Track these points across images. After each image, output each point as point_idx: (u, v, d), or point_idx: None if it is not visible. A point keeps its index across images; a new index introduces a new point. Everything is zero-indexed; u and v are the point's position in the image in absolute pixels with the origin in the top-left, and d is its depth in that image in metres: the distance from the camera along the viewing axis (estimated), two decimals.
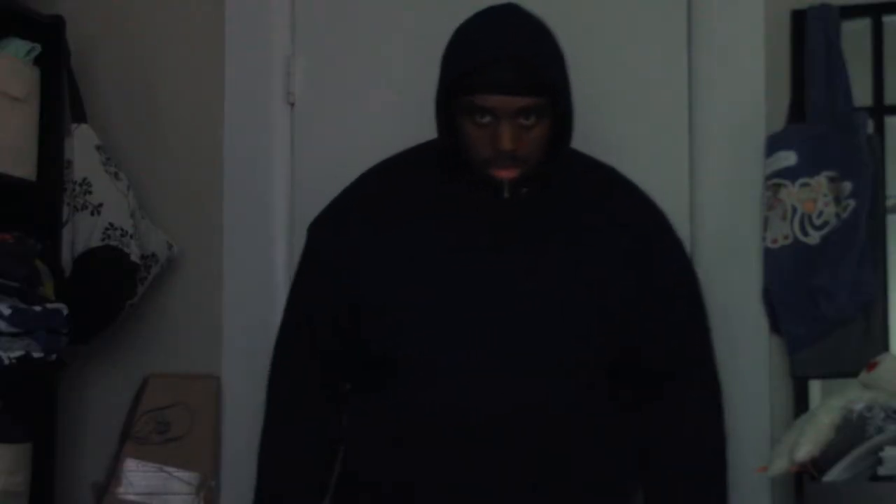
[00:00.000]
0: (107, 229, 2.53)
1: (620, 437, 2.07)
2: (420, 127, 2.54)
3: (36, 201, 2.53)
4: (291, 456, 2.11)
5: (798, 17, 2.43)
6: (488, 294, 2.00)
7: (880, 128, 2.38)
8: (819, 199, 2.35)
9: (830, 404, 2.11)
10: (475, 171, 2.00)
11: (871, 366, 2.13)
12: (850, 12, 2.41)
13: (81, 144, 2.58)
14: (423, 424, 1.99)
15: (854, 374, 2.18)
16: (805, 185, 2.36)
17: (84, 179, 2.56)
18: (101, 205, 2.55)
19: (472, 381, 1.97)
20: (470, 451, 1.97)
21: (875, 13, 2.42)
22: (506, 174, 1.97)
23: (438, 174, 2.06)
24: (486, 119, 1.95)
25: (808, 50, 2.39)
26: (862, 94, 2.38)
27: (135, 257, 2.55)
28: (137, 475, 2.58)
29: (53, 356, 2.45)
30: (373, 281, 2.03)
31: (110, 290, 2.55)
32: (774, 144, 2.39)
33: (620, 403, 2.07)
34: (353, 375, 2.11)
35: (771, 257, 2.39)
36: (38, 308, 2.41)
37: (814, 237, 2.35)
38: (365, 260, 2.04)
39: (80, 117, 2.60)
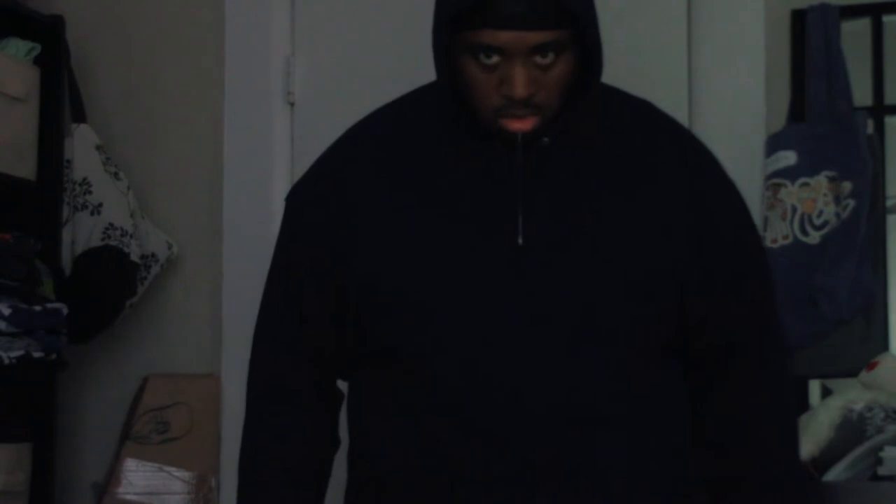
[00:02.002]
0: (107, 229, 2.53)
1: (678, 431, 1.70)
2: None
3: (36, 201, 2.53)
4: (278, 465, 1.81)
5: (798, 17, 2.43)
6: (511, 270, 1.63)
7: (880, 128, 2.38)
8: (819, 199, 2.35)
9: (830, 404, 2.11)
10: (483, 121, 1.64)
11: (871, 366, 2.13)
12: (850, 12, 2.41)
13: (81, 144, 2.58)
14: (441, 425, 1.63)
15: (854, 374, 2.18)
16: (805, 184, 2.36)
17: (84, 179, 2.56)
18: (101, 204, 2.55)
19: (498, 374, 1.61)
20: (502, 451, 1.62)
21: (875, 13, 2.43)
22: (520, 125, 1.61)
23: (440, 127, 1.70)
24: (494, 59, 1.59)
25: (808, 50, 2.40)
26: (862, 94, 2.38)
27: (135, 257, 2.55)
28: (137, 475, 2.58)
29: (53, 356, 2.45)
30: (367, 259, 1.66)
31: (110, 290, 2.55)
32: (774, 144, 2.39)
33: (673, 391, 1.71)
34: (351, 368, 1.76)
35: (771, 257, 2.39)
36: (38, 308, 2.41)
37: (814, 237, 2.35)
38: (356, 235, 1.68)
39: (80, 117, 2.61)
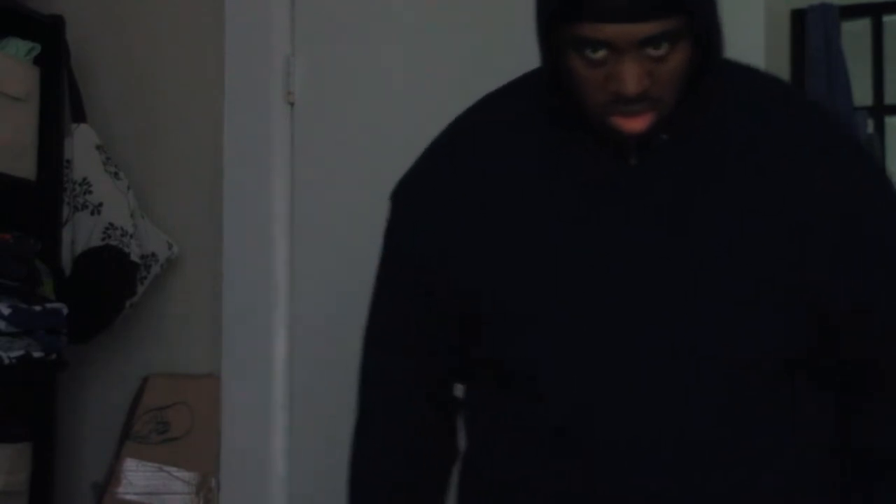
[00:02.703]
0: (107, 229, 2.53)
1: (801, 457, 1.53)
2: (421, 127, 2.54)
3: (36, 201, 2.53)
4: (393, 480, 1.67)
5: (798, 17, 2.43)
6: (620, 282, 1.49)
7: (880, 128, 2.38)
8: None
9: None
10: (592, 119, 1.49)
11: None
12: (850, 12, 2.41)
13: (81, 144, 2.58)
14: (549, 442, 1.51)
15: None
16: None
17: (84, 179, 2.56)
18: (101, 204, 2.55)
19: (605, 393, 1.48)
20: (609, 475, 1.49)
21: (875, 13, 2.43)
22: (633, 125, 1.46)
23: (545, 125, 1.56)
24: (601, 53, 1.43)
25: (808, 50, 2.40)
26: (862, 94, 2.38)
27: (135, 257, 2.55)
28: (137, 475, 2.58)
29: (53, 356, 2.45)
30: (474, 268, 1.54)
31: (110, 290, 2.55)
32: None
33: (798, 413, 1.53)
34: (466, 376, 1.65)
35: None
36: (38, 308, 2.41)
37: None
38: (462, 241, 1.55)
39: (80, 117, 2.61)
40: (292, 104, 2.67)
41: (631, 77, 1.43)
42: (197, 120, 2.72)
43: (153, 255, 2.61)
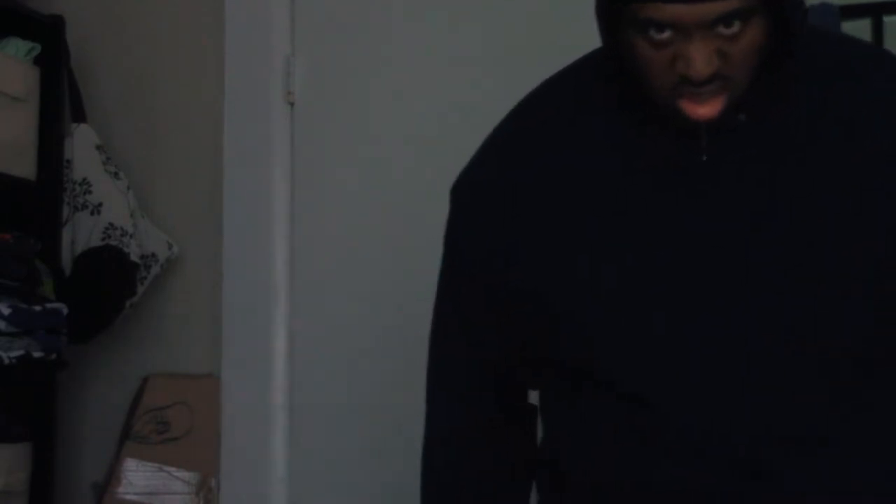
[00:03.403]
0: (107, 229, 2.53)
1: None
2: (421, 127, 2.54)
3: (36, 201, 2.53)
4: (472, 493, 1.59)
5: None
6: (702, 277, 1.38)
7: None
8: None
9: None
10: (659, 104, 1.38)
11: None
12: (850, 12, 2.41)
13: (81, 144, 2.58)
14: (642, 446, 1.42)
15: None
16: None
17: (84, 179, 2.56)
18: (100, 204, 2.55)
19: (702, 394, 1.38)
20: (710, 475, 1.38)
21: (875, 13, 2.42)
22: (704, 111, 1.35)
23: (610, 111, 1.45)
24: (666, 34, 1.32)
25: None
26: None
27: (134, 257, 2.55)
28: (137, 475, 2.58)
29: (53, 356, 2.45)
30: (541, 272, 1.44)
31: (110, 290, 2.55)
32: None
33: None
34: (538, 382, 1.56)
35: None
36: (37, 308, 2.41)
37: None
38: (527, 242, 1.45)
39: (80, 117, 2.61)
40: (292, 104, 2.67)
41: (700, 58, 1.31)
42: (197, 120, 2.72)
43: (153, 255, 2.61)
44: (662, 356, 1.39)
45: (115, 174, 2.60)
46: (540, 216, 1.45)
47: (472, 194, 1.52)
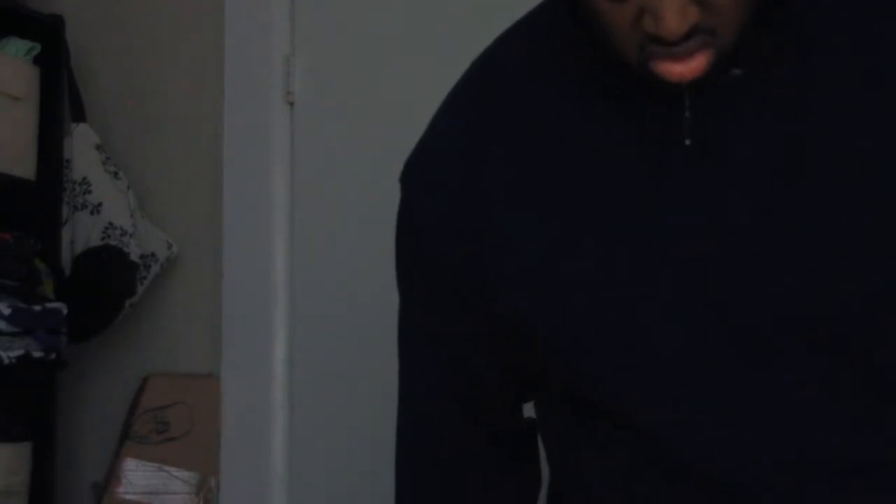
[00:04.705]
0: (106, 228, 2.53)
1: None
2: (421, 127, 2.54)
3: (35, 200, 2.53)
4: None
5: None
6: (704, 280, 1.11)
7: None
8: None
9: None
10: (632, 68, 1.10)
11: None
12: None
13: (81, 144, 2.58)
14: (660, 483, 1.17)
15: None
16: None
17: (83, 179, 2.56)
18: (100, 204, 2.55)
19: (723, 423, 1.13)
20: None
21: None
22: (682, 69, 1.06)
23: (580, 81, 1.17)
24: None
25: None
26: None
27: (134, 256, 2.55)
28: (137, 475, 2.58)
29: (53, 356, 2.45)
30: (519, 283, 1.17)
31: (110, 290, 2.55)
32: None
33: None
34: (528, 396, 1.31)
35: None
36: (37, 307, 2.41)
37: None
38: (496, 238, 1.18)
39: (80, 116, 2.61)
40: (292, 104, 2.67)
41: (671, 12, 1.02)
42: (197, 120, 2.72)
43: (153, 254, 2.61)
44: (671, 384, 1.13)
45: (115, 174, 2.60)
46: (510, 210, 1.18)
47: (428, 184, 1.25)
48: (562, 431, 1.26)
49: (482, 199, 1.19)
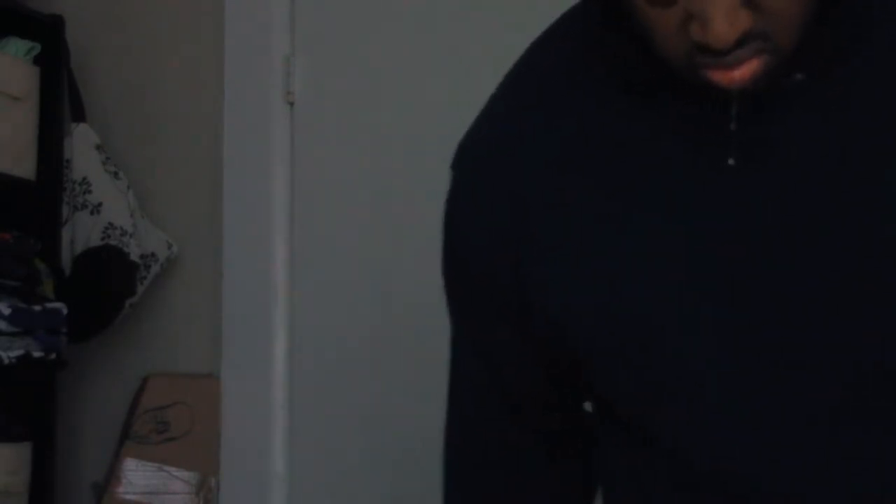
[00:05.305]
0: (106, 228, 2.53)
1: None
2: (421, 127, 2.54)
3: (35, 200, 2.53)
4: None
5: None
6: (748, 299, 1.05)
7: None
8: None
9: None
10: (677, 73, 1.02)
11: None
12: None
13: (81, 144, 2.58)
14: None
15: None
16: None
17: (83, 179, 2.56)
18: (100, 204, 2.55)
19: (756, 453, 1.07)
20: None
21: None
22: (734, 75, 0.98)
23: (618, 83, 1.10)
24: None
25: None
26: None
27: (134, 256, 2.55)
28: (137, 475, 2.58)
29: (53, 355, 2.45)
30: (559, 287, 1.11)
31: (110, 290, 2.55)
32: None
33: None
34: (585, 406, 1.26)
35: None
36: (37, 307, 2.41)
37: None
38: (541, 249, 1.12)
39: (80, 116, 2.61)
40: (292, 104, 2.67)
41: (719, 17, 0.94)
42: (197, 120, 2.72)
43: (153, 254, 2.61)
44: (693, 386, 1.08)
45: (115, 174, 2.60)
46: (553, 222, 1.12)
47: (481, 177, 1.18)
48: (603, 436, 1.22)
49: (522, 203, 1.13)
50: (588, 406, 1.25)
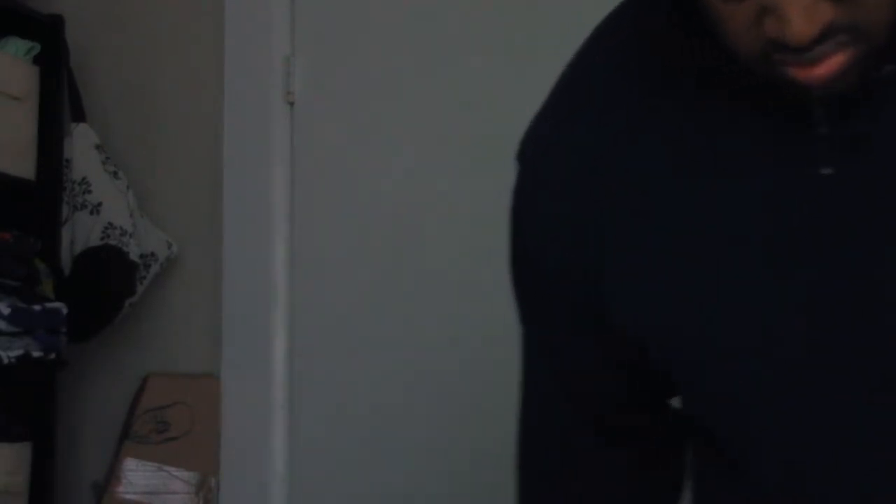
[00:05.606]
0: (106, 228, 2.53)
1: None
2: (421, 127, 2.54)
3: (35, 200, 2.53)
4: None
5: None
6: (832, 317, 0.98)
7: None
8: None
9: None
10: (756, 73, 0.94)
11: None
12: None
13: (80, 143, 2.58)
14: None
15: None
16: None
17: (83, 178, 2.56)
18: (100, 204, 2.55)
19: (838, 474, 1.02)
20: None
21: None
22: (816, 72, 0.89)
23: (690, 83, 1.01)
24: None
25: None
26: None
27: (134, 256, 2.55)
28: (137, 475, 2.58)
29: (53, 355, 2.45)
30: (632, 297, 1.05)
31: (110, 289, 2.55)
32: None
33: None
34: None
35: None
36: (37, 307, 2.41)
37: None
38: (615, 255, 1.05)
39: (79, 116, 2.61)
40: (292, 104, 2.67)
41: (796, 11, 0.85)
42: (197, 120, 2.71)
43: (152, 254, 2.61)
44: (780, 426, 1.02)
45: (115, 174, 2.60)
46: (629, 229, 1.05)
47: (547, 161, 1.09)
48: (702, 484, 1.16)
49: (595, 208, 1.05)
50: (675, 402, 1.17)
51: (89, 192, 2.56)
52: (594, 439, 1.16)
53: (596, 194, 1.05)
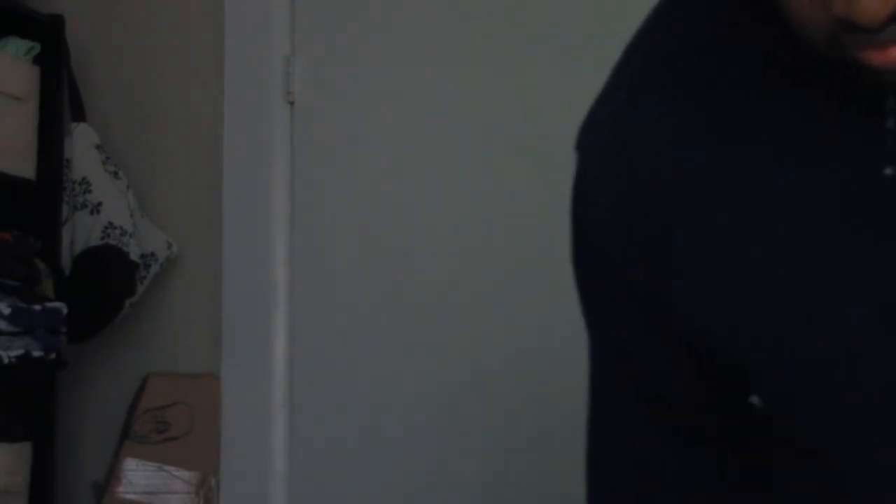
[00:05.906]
0: (106, 228, 2.53)
1: None
2: (421, 127, 2.54)
3: (35, 200, 2.53)
4: None
5: None
6: None
7: None
8: None
9: None
10: (826, 56, 0.85)
11: None
12: None
13: (81, 143, 2.58)
14: None
15: None
16: None
17: (83, 178, 2.56)
18: (100, 204, 2.55)
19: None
20: None
21: None
22: (893, 54, 0.80)
23: (763, 79, 0.95)
24: None
25: None
26: None
27: (134, 256, 2.55)
28: (137, 474, 2.58)
29: (53, 355, 2.45)
30: (707, 299, 0.98)
31: (110, 289, 2.55)
32: None
33: None
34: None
35: None
36: (37, 307, 2.41)
37: None
38: (686, 256, 0.99)
39: (80, 116, 2.61)
40: (292, 104, 2.67)
41: None
42: (197, 120, 2.72)
43: (153, 254, 2.61)
44: (871, 434, 0.96)
45: (115, 173, 2.60)
46: (703, 226, 0.98)
47: (614, 163, 1.02)
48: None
49: (660, 196, 0.99)
50: (755, 399, 1.10)
51: (89, 191, 2.56)
52: (672, 439, 1.09)
53: (660, 181, 0.99)
